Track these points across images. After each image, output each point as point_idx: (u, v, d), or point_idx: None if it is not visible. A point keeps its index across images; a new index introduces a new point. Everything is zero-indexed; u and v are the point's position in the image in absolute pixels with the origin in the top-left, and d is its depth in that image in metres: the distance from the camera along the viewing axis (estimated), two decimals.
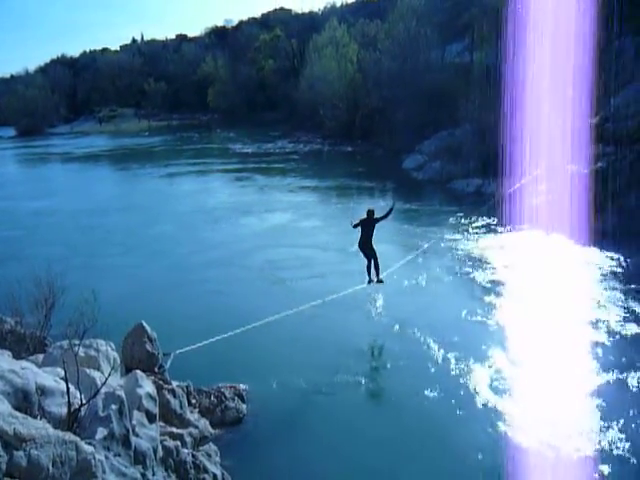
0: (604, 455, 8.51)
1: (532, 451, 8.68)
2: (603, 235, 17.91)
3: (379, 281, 13.70)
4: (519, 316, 13.51)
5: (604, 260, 16.98)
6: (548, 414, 9.57)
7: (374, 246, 13.43)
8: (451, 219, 23.03)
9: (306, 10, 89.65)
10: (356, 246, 13.68)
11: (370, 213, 13.25)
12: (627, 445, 8.66)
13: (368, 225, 13.24)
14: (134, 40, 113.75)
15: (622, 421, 9.21)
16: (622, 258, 16.92)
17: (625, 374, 10.66)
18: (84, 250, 20.92)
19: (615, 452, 8.58)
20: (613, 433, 8.95)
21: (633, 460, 8.38)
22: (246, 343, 11.59)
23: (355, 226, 13.35)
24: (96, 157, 53.61)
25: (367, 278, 13.67)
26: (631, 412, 9.47)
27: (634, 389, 10.23)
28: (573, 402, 9.95)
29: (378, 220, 13.25)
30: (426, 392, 10.43)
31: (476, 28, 40.78)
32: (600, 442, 8.78)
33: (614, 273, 16.05)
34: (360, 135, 48.31)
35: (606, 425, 9.15)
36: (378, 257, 13.60)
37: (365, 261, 13.67)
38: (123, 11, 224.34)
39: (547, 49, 20.55)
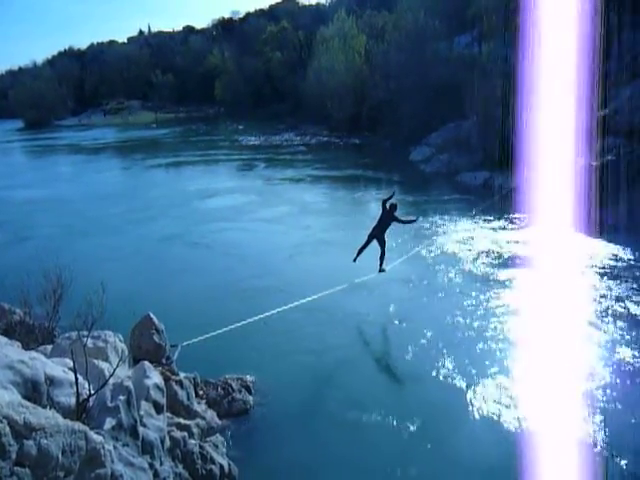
0: (613, 449, 8.50)
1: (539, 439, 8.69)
2: (612, 228, 17.80)
3: (381, 270, 13.95)
4: (526, 308, 13.44)
5: (614, 253, 16.88)
6: (553, 403, 9.57)
7: (385, 237, 13.73)
8: (458, 211, 22.92)
9: (313, 2, 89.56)
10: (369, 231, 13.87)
11: (392, 207, 13.36)
12: (633, 437, 8.65)
13: (386, 217, 13.38)
14: (141, 32, 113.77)
15: (628, 413, 9.18)
16: (632, 251, 16.81)
17: (631, 366, 10.63)
18: (87, 236, 21.09)
19: (622, 445, 8.56)
20: (620, 427, 8.92)
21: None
22: (253, 334, 11.63)
23: (383, 203, 13.54)
24: (103, 149, 53.70)
25: (354, 256, 13.81)
26: (636, 403, 9.45)
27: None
28: (578, 393, 9.92)
29: (396, 219, 13.48)
30: (435, 381, 10.45)
31: (485, 19, 40.42)
32: (608, 436, 8.76)
33: (623, 266, 15.95)
34: (367, 127, 48.16)
35: (613, 419, 9.12)
36: (386, 249, 13.85)
37: (362, 243, 13.87)
38: (129, 2, 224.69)
39: (556, 40, 20.34)
